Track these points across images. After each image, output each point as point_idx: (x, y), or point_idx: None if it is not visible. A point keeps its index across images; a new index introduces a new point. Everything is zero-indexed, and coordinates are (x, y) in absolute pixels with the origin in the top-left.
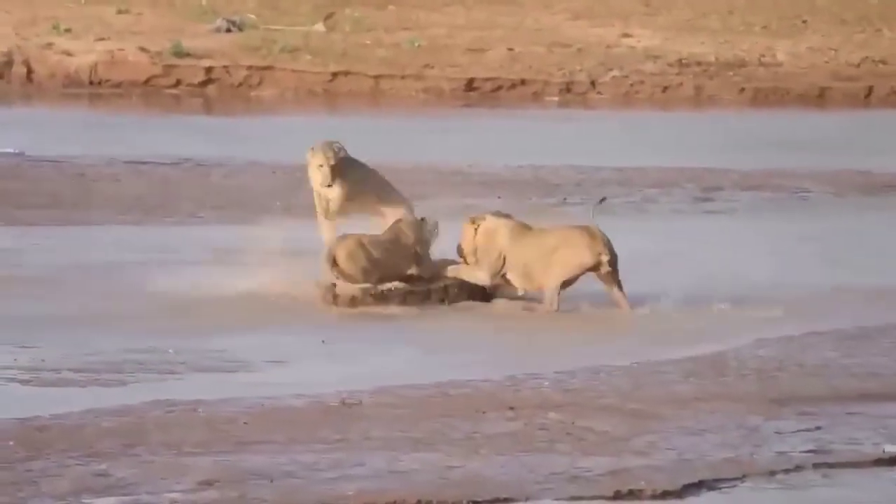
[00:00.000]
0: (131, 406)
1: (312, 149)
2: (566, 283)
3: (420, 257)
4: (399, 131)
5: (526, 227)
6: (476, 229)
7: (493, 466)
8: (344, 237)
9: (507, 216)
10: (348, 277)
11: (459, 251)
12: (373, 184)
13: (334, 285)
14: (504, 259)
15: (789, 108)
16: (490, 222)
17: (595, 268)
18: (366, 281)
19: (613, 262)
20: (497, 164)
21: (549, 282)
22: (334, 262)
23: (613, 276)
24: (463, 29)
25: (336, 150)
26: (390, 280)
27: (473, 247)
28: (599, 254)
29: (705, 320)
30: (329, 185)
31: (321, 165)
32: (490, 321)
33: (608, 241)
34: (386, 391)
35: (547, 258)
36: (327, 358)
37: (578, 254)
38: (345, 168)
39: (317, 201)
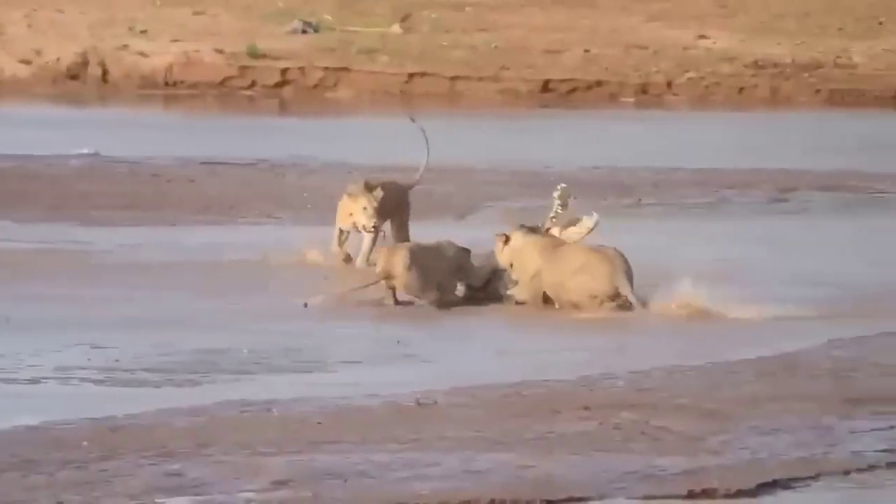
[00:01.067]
0: (205, 406)
1: (352, 192)
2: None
3: (465, 270)
4: (475, 132)
5: (555, 242)
6: (504, 245)
7: (567, 466)
8: (393, 248)
9: (534, 230)
10: (408, 288)
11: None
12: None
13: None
14: (541, 278)
15: (865, 109)
16: (517, 240)
17: (612, 297)
18: (425, 290)
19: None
20: (573, 165)
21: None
22: (390, 275)
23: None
24: (540, 30)
25: (377, 194)
26: (447, 290)
27: (508, 261)
28: (617, 287)
29: (779, 320)
30: (372, 229)
31: (365, 207)
32: (563, 322)
33: (629, 269)
34: (460, 391)
35: (569, 280)
36: (402, 358)
37: (595, 283)
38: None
39: (337, 234)
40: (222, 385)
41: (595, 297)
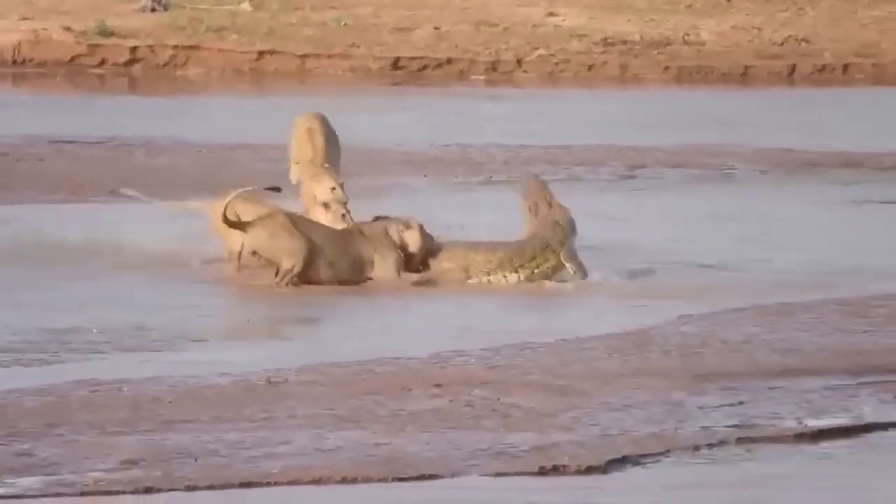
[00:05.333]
0: (55, 385)
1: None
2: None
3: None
4: (325, 110)
5: None
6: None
7: (418, 443)
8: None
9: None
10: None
11: None
12: None
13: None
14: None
15: (713, 86)
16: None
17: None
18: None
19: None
20: (424, 142)
21: None
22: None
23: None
24: (390, 8)
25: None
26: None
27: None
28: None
29: (629, 297)
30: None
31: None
32: (415, 299)
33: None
34: (311, 369)
35: None
36: (252, 336)
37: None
38: None
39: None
40: (72, 364)
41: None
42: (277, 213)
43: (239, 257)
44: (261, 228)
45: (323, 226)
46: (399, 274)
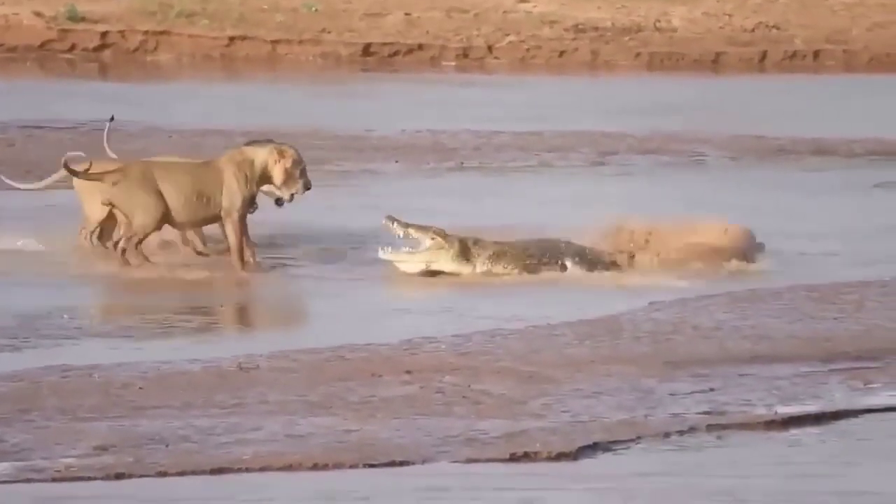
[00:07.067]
0: (26, 371)
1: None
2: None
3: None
4: (296, 96)
5: None
6: None
7: (389, 430)
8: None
9: None
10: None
11: None
12: None
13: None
14: None
15: (684, 72)
16: None
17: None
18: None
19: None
20: (395, 128)
21: None
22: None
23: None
24: None
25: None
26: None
27: None
28: None
29: (600, 283)
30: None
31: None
32: (385, 285)
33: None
34: (283, 355)
35: None
36: (224, 322)
37: None
38: None
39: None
40: (43, 350)
41: None
42: (134, 164)
43: (98, 225)
44: (117, 183)
45: (181, 165)
46: (240, 212)
